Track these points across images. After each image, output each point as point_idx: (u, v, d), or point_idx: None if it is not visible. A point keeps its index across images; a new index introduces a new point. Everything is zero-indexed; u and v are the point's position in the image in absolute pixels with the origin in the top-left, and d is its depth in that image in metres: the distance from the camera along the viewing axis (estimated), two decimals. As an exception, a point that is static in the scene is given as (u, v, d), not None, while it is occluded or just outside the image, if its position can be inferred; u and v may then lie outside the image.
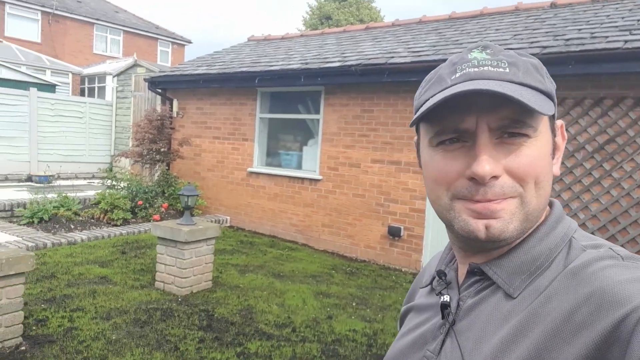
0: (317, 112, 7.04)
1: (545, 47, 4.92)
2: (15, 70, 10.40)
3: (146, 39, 24.48)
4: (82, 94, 16.78)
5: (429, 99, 0.63)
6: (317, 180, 6.96)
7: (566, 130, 4.92)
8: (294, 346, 3.52)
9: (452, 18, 8.09)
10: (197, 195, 4.66)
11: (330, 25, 19.23)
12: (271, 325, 3.87)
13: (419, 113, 0.62)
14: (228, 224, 7.93)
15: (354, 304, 4.54)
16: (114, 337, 3.37)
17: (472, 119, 0.60)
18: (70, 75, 17.32)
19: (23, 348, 3.08)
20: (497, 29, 6.51)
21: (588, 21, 5.67)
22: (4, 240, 5.39)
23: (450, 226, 0.65)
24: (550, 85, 0.64)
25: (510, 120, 0.59)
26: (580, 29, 5.33)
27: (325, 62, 6.71)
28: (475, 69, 0.61)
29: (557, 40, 5.10)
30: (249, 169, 7.75)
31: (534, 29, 5.93)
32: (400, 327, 0.82)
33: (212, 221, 7.64)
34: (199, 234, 4.45)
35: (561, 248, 0.62)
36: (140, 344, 3.31)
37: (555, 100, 0.65)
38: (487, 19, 7.45)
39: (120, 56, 21.85)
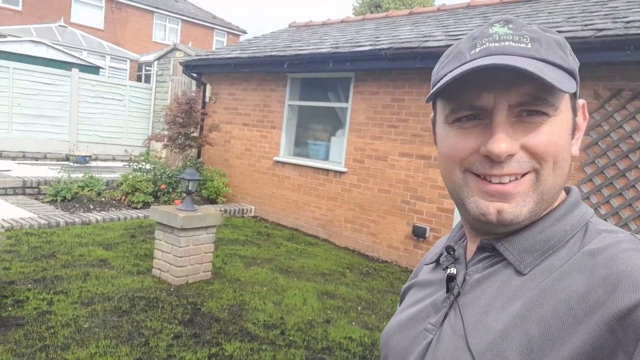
0: (346, 100, 6.63)
1: (600, 30, 4.23)
2: (59, 50, 10.72)
3: (203, 29, 24.91)
4: (138, 79, 17.30)
5: (446, 74, 0.62)
6: (341, 173, 6.56)
7: (620, 127, 4.22)
8: (277, 351, 3.18)
9: (504, 2, 7.38)
10: (199, 180, 4.41)
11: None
12: (259, 325, 3.55)
13: (435, 88, 0.62)
14: (252, 214, 7.71)
15: (359, 308, 4.14)
16: (85, 325, 3.18)
17: (490, 96, 0.58)
18: (128, 61, 17.93)
19: (-14, 329, 2.95)
20: (550, 12, 5.80)
21: (659, 2, 4.86)
22: (19, 217, 5.42)
23: (461, 205, 0.64)
24: (573, 63, 0.61)
25: (529, 97, 0.57)
26: (647, 10, 4.57)
27: (356, 46, 6.27)
28: (496, 44, 0.59)
29: (616, 22, 4.38)
30: (275, 158, 7.47)
31: (592, 12, 5.19)
32: (401, 304, 0.81)
33: (235, 210, 7.45)
34: (197, 221, 4.20)
35: (577, 231, 0.60)
36: (110, 335, 3.09)
37: (578, 79, 0.61)
38: (542, 3, 6.71)
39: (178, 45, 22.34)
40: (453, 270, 0.66)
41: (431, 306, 0.68)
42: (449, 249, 0.70)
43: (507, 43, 0.58)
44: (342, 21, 9.52)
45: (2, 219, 5.20)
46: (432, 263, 0.76)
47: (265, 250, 5.60)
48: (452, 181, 0.63)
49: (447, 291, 0.66)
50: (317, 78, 7.09)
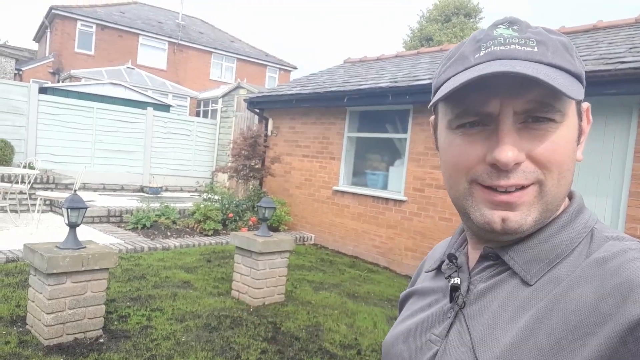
0: (405, 131, 6.88)
1: (665, 59, 4.29)
2: (136, 91, 11.73)
3: (256, 66, 26.16)
4: (197, 115, 18.42)
5: (450, 78, 0.59)
6: (401, 202, 6.76)
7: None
8: (356, 369, 3.37)
9: (562, 33, 7.48)
10: (274, 207, 4.76)
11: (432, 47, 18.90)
12: (336, 345, 3.76)
13: (439, 94, 0.59)
14: (312, 242, 7.99)
15: (428, 333, 4.26)
16: (183, 339, 3.51)
17: (496, 102, 0.56)
18: (188, 98, 19.18)
19: (102, 340, 3.33)
20: (610, 42, 5.87)
21: None
22: (108, 242, 5.97)
23: (465, 214, 0.62)
24: (580, 67, 0.59)
25: (536, 103, 0.56)
26: None
27: (415, 79, 6.56)
28: (502, 47, 0.57)
29: (682, 50, 4.43)
30: (335, 188, 7.78)
31: (654, 40, 5.24)
32: (400, 313, 0.79)
33: (296, 238, 7.76)
34: (273, 245, 4.52)
35: (582, 238, 0.59)
36: (206, 348, 3.40)
37: (584, 82, 0.60)
38: (601, 33, 6.77)
39: (233, 82, 23.60)
40: (457, 280, 0.64)
41: (434, 316, 0.66)
42: (451, 257, 0.68)
43: (512, 46, 0.57)
44: (396, 55, 9.88)
45: (94, 244, 5.75)
46: (432, 270, 0.74)
47: (330, 276, 5.83)
48: (457, 190, 0.62)
49: (451, 301, 0.64)
50: (375, 111, 7.41)
